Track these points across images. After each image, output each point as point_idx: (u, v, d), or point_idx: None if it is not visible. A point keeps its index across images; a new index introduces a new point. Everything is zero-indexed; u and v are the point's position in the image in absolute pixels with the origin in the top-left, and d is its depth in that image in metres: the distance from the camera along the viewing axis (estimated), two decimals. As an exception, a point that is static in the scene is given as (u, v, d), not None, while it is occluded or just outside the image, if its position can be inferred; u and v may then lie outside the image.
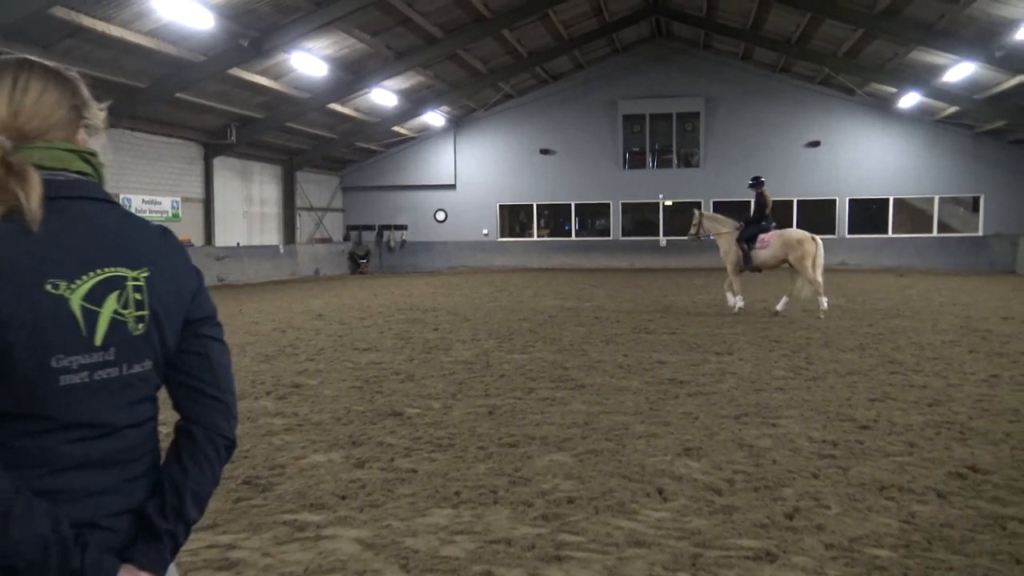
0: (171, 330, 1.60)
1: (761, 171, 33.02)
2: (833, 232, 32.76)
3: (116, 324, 1.49)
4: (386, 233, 37.02)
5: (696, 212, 16.56)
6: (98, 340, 1.47)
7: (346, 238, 37.15)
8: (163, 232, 1.67)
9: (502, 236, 36.38)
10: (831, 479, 5.18)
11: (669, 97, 33.99)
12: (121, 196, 24.37)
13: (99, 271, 1.48)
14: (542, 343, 11.57)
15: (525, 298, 19.57)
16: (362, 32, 23.61)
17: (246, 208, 31.06)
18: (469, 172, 36.26)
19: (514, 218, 36.86)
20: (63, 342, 1.43)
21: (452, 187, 36.44)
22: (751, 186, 15.60)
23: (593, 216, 35.80)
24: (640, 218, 35.30)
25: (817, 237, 14.67)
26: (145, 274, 1.55)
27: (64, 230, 1.48)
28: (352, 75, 26.39)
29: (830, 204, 33.21)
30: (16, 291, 1.39)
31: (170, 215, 26.51)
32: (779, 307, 14.88)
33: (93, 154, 1.61)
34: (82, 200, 1.53)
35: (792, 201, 33.12)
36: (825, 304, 14.49)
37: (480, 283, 25.35)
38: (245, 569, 3.96)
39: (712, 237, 15.96)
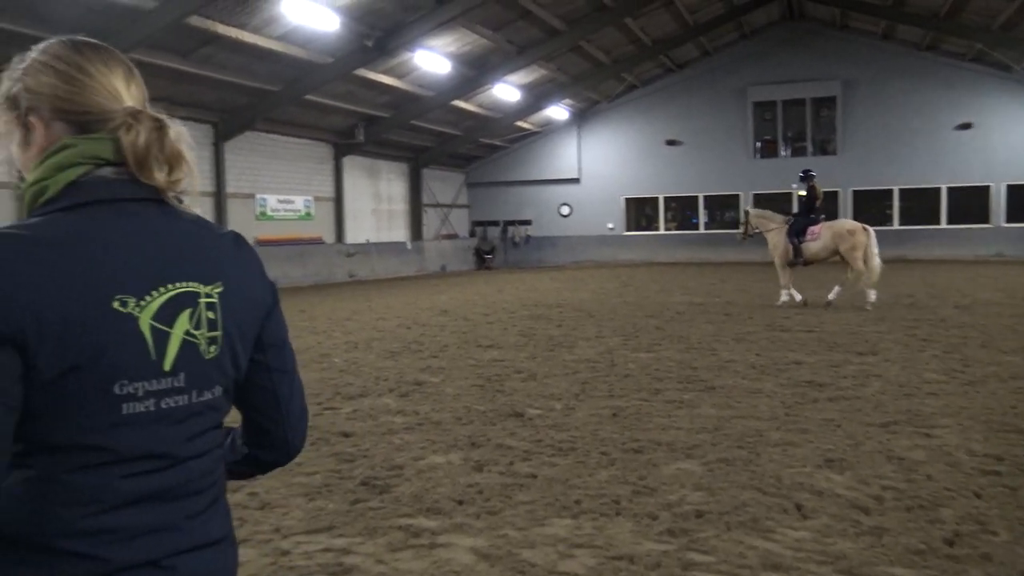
0: (243, 353, 1.43)
1: (906, 157, 31.27)
2: (987, 221, 30.48)
3: (187, 346, 1.31)
4: (511, 228, 37.14)
5: (745, 211, 16.69)
6: (167, 365, 1.29)
7: (472, 234, 37.52)
8: (236, 239, 1.49)
9: (627, 230, 35.81)
10: (997, 500, 4.61)
11: (802, 82, 32.47)
12: (257, 196, 25.44)
13: (170, 286, 1.31)
14: (669, 341, 11.14)
15: (651, 294, 19.08)
16: (483, 28, 23.67)
17: (374, 206, 31.83)
18: (593, 165, 35.87)
19: (640, 211, 36.21)
20: (129, 366, 1.26)
21: (576, 181, 36.15)
22: (802, 179, 15.69)
23: (722, 208, 34.70)
24: (772, 209, 33.88)
25: (869, 227, 14.65)
26: (219, 289, 1.37)
27: (132, 237, 1.31)
28: (475, 71, 26.52)
29: (983, 191, 30.89)
30: (81, 308, 1.22)
31: (303, 214, 27.46)
32: (831, 296, 14.66)
33: None
34: (147, 202, 1.36)
35: (940, 188, 31.03)
36: (873, 297, 14.26)
37: (605, 278, 24.98)
38: (359, 576, 3.85)
39: (761, 232, 15.92)
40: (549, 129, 36.03)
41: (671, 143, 34.34)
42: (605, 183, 35.63)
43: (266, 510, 4.73)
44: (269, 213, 25.91)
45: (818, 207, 15.44)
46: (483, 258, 35.87)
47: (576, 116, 35.34)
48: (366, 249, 29.13)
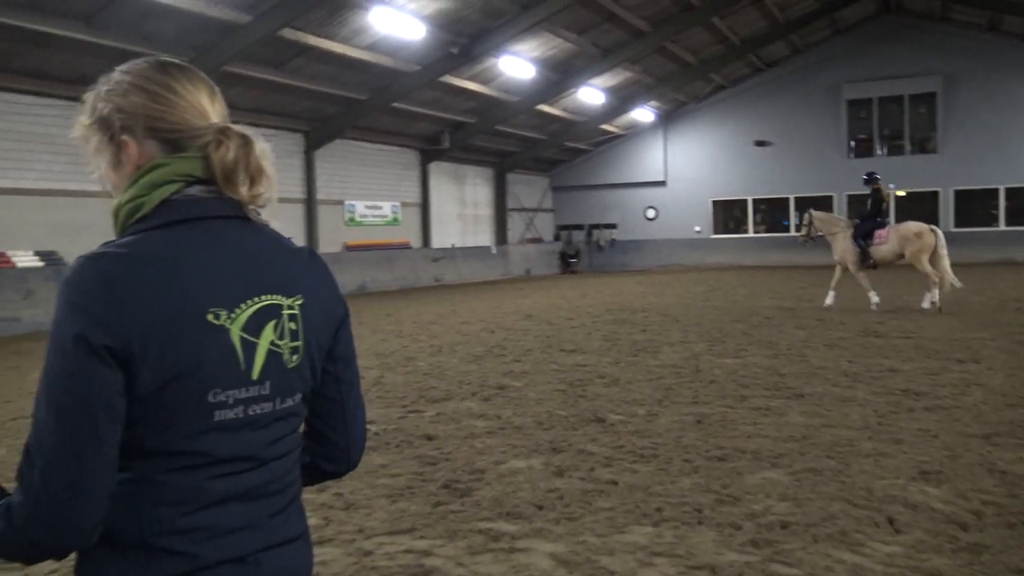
0: (318, 363, 1.48)
1: (1013, 154, 29.78)
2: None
3: (272, 356, 1.37)
4: (595, 232, 37.00)
5: (807, 214, 16.33)
6: (255, 374, 1.35)
7: (556, 238, 37.52)
8: (311, 254, 1.55)
9: (715, 233, 35.21)
10: (1111, 517, 4.33)
11: (900, 78, 31.31)
12: (346, 202, 26.05)
13: (257, 299, 1.37)
14: (757, 347, 10.90)
15: (739, 298, 18.70)
16: (568, 31, 23.66)
17: (460, 210, 32.19)
18: (680, 168, 35.40)
19: (728, 214, 35.54)
20: (221, 376, 1.32)
21: (662, 184, 35.74)
22: (866, 182, 15.47)
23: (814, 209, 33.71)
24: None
25: (937, 229, 14.47)
26: (299, 302, 1.42)
27: (221, 253, 1.37)
28: (559, 75, 26.54)
29: (1097, 188, 29.15)
30: (177, 316, 1.28)
31: (390, 219, 27.98)
32: (935, 301, 14.32)
33: None
34: (232, 219, 1.42)
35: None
36: (937, 298, 14.14)
37: (691, 282, 24.61)
38: (439, 579, 3.90)
39: (826, 236, 15.66)
40: (634, 132, 35.74)
41: (760, 144, 33.58)
42: (692, 186, 35.11)
43: (350, 511, 4.84)
44: (357, 219, 26.51)
45: (884, 210, 15.30)
46: (567, 262, 35.81)
47: (662, 118, 34.95)
48: (451, 253, 29.49)
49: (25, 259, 16.37)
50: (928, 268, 14.19)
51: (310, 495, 5.14)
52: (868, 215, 15.24)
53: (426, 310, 18.03)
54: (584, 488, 5.11)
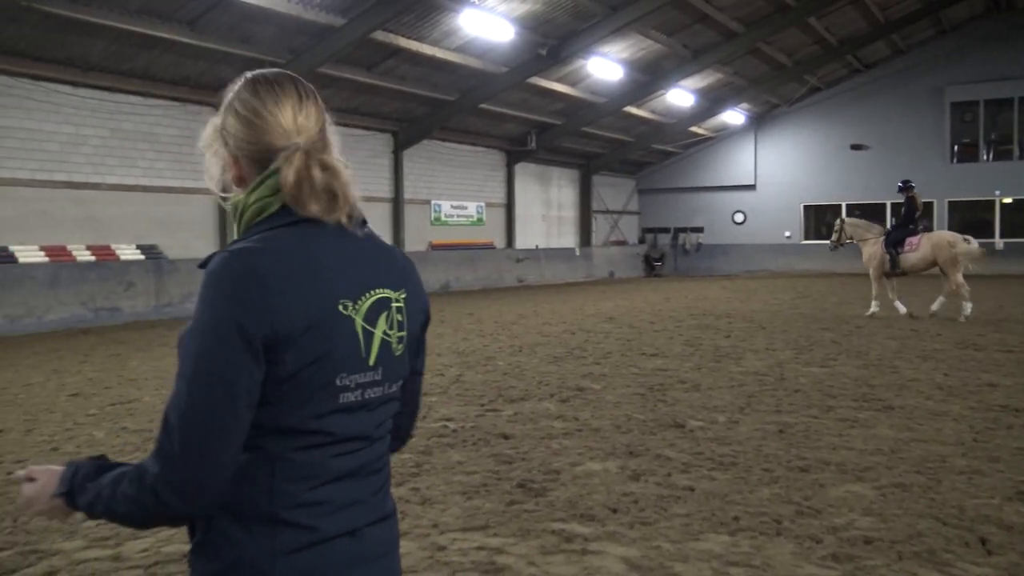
0: (413, 353, 1.63)
1: None
2: None
3: (384, 344, 1.51)
4: (682, 235, 36.50)
5: (839, 219, 16.46)
6: (372, 360, 1.49)
7: (641, 240, 37.18)
8: (404, 255, 1.68)
9: (806, 239, 34.26)
10: None
11: (1010, 79, 29.84)
12: (432, 202, 26.40)
13: (372, 291, 1.51)
14: (845, 356, 10.56)
15: (829, 305, 18.16)
16: (658, 32, 23.42)
17: (544, 212, 32.23)
18: (770, 171, 34.60)
19: (819, 219, 34.53)
20: (347, 361, 1.45)
21: (752, 187, 35.01)
22: (900, 190, 15.57)
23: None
24: (971, 218, 31.23)
25: (971, 238, 14.62)
26: (403, 296, 1.57)
27: (344, 248, 1.50)
28: (648, 77, 26.30)
29: None
30: (315, 308, 1.42)
31: (475, 219, 28.22)
32: (934, 307, 14.81)
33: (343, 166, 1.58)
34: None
35: None
36: (968, 311, 14.13)
37: (779, 288, 24.02)
38: (510, 577, 3.91)
39: (856, 243, 15.85)
40: (724, 134, 35.11)
41: (856, 147, 32.52)
42: (783, 190, 34.26)
43: (426, 506, 4.90)
44: (443, 218, 26.84)
45: (917, 218, 15.38)
46: (652, 265, 35.43)
47: (753, 120, 34.23)
48: (535, 254, 29.55)
49: (128, 252, 17.18)
50: (959, 278, 14.24)
51: (387, 488, 5.24)
52: (902, 223, 15.42)
53: (508, 310, 18.12)
54: (660, 493, 5.05)
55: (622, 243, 35.99)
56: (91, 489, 1.44)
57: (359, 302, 1.47)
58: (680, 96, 28.52)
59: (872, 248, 15.24)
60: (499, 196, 29.51)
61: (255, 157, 1.51)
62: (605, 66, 23.77)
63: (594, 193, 34.34)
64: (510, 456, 5.95)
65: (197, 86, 18.49)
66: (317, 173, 1.47)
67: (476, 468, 5.66)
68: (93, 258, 16.64)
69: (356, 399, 1.47)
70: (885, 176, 32.04)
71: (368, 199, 23.87)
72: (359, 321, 1.46)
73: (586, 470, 5.60)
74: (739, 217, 35.39)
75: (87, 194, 16.92)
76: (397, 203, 24.76)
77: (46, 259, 15.88)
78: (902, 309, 14.93)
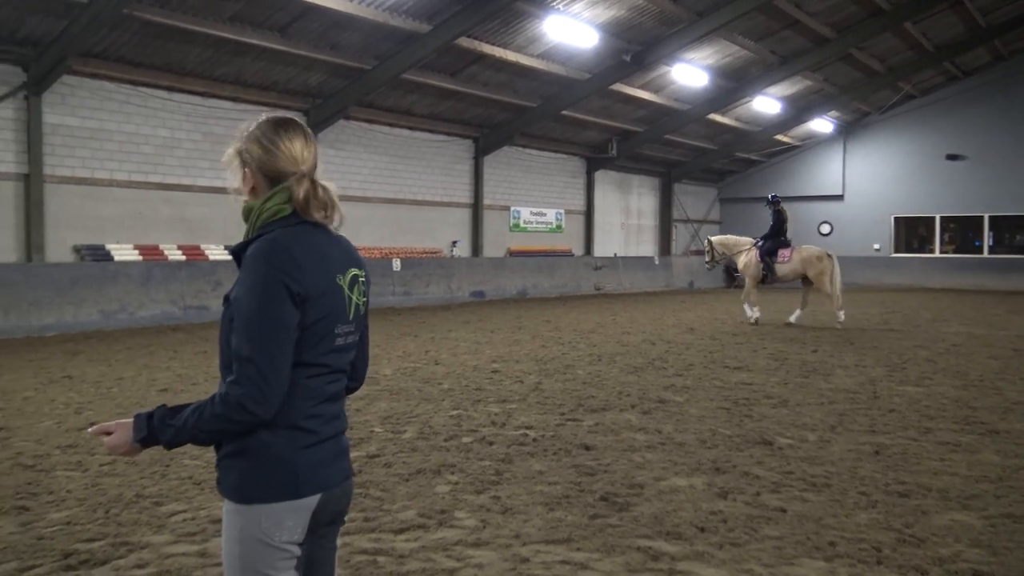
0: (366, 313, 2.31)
1: None
2: None
3: (356, 306, 2.19)
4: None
5: (707, 240, 17.73)
6: (350, 316, 2.17)
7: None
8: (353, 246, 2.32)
9: (896, 251, 33.05)
10: None
11: (1120, 87, 28.17)
12: (512, 208, 26.41)
13: (350, 270, 2.18)
14: (942, 375, 10.07)
15: (922, 322, 17.42)
16: (745, 39, 22.95)
17: (623, 220, 31.92)
18: (859, 181, 33.51)
19: (911, 232, 33.29)
20: (339, 316, 2.12)
21: (839, 198, 33.97)
22: (768, 204, 16.92)
23: (1012, 230, 30.99)
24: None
25: (832, 254, 15.84)
26: (364, 275, 2.25)
27: (329, 240, 2.17)
28: (733, 83, 25.80)
29: None
30: (325, 279, 2.08)
31: (554, 226, 28.13)
32: (792, 319, 16.15)
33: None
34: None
35: None
36: (842, 317, 15.53)
37: (868, 302, 23.17)
38: (594, 594, 3.79)
39: (731, 256, 17.12)
40: (811, 143, 34.17)
41: (952, 157, 31.21)
42: (872, 200, 33.13)
43: (507, 515, 4.82)
44: (522, 225, 26.83)
45: (785, 230, 16.38)
46: (734, 276, 34.66)
47: (842, 129, 33.22)
48: (613, 263, 29.26)
49: (216, 252, 17.67)
50: (829, 289, 15.55)
51: (469, 496, 5.17)
52: (771, 234, 16.39)
53: (586, 318, 17.95)
54: (749, 513, 4.85)
55: (703, 253, 35.34)
56: (172, 426, 2.02)
57: (343, 276, 2.14)
58: (766, 103, 27.88)
59: (747, 257, 16.47)
60: (578, 203, 29.36)
61: (269, 176, 2.12)
62: (690, 72, 23.40)
63: (675, 201, 33.85)
64: (592, 468, 5.82)
65: (285, 91, 18.93)
66: (319, 192, 2.13)
67: (557, 479, 5.55)
68: (183, 257, 17.18)
69: (343, 343, 2.14)
70: (982, 188, 30.73)
71: (448, 204, 24.05)
72: (345, 289, 2.13)
73: (671, 485, 5.43)
74: (825, 228, 34.36)
75: (179, 195, 17.48)
76: (477, 208, 24.86)
77: (139, 257, 16.46)
78: (755, 315, 16.29)
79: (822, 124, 32.00)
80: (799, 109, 29.84)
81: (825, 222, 34.35)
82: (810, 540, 4.41)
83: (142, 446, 2.06)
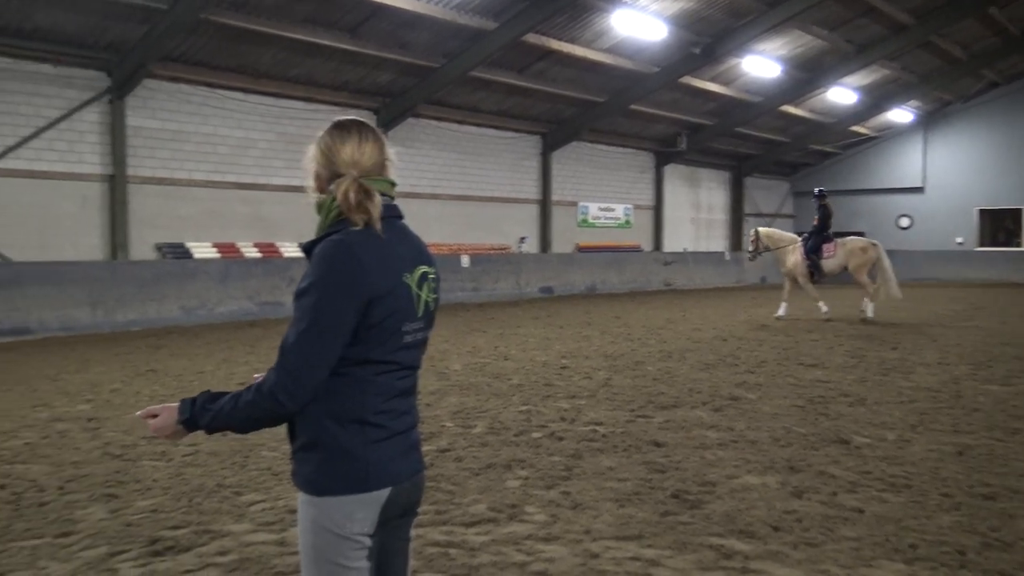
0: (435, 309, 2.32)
1: None
2: None
3: (425, 303, 2.21)
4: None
5: (753, 229, 17.42)
6: (419, 313, 2.18)
7: (795, 245, 35.65)
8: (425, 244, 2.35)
9: (980, 245, 31.82)
10: None
11: None
12: (580, 204, 26.33)
13: (419, 268, 2.20)
14: (1030, 373, 9.67)
15: (1009, 319, 16.74)
16: (819, 28, 22.39)
17: (693, 214, 31.51)
18: (941, 172, 32.38)
19: (997, 225, 32.01)
20: (407, 314, 2.14)
21: (919, 190, 32.89)
22: (815, 198, 16.64)
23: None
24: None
25: (878, 243, 15.84)
26: (433, 271, 2.26)
27: (397, 238, 2.17)
28: (807, 74, 25.21)
29: None
30: (391, 279, 2.10)
31: (622, 221, 27.94)
32: (868, 313, 15.71)
33: (394, 184, 2.26)
34: (395, 218, 2.21)
35: None
36: (870, 312, 15.58)
37: (951, 298, 22.41)
38: (666, 591, 3.76)
39: (773, 251, 16.85)
40: (889, 133, 33.15)
41: (1040, 147, 29.90)
42: (955, 192, 31.97)
43: (577, 511, 4.82)
44: (590, 220, 26.72)
45: (830, 225, 16.25)
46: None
47: (922, 119, 32.13)
48: (683, 258, 28.92)
49: (290, 250, 18.09)
50: (865, 280, 15.63)
51: (539, 491, 5.19)
52: (817, 230, 16.22)
53: (655, 314, 17.79)
54: (826, 513, 4.75)
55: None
56: (211, 411, 2.09)
57: (412, 274, 2.16)
58: (841, 94, 27.15)
59: (794, 256, 16.31)
60: (647, 198, 29.09)
61: (327, 177, 2.20)
62: (761, 64, 22.95)
63: (746, 195, 33.26)
64: (662, 464, 5.77)
65: (356, 91, 19.24)
66: (355, 196, 2.10)
67: (628, 475, 5.52)
68: (259, 255, 17.63)
69: (411, 340, 2.16)
70: (1074, 178, 29.33)
71: (516, 200, 24.11)
72: (413, 287, 2.15)
73: (744, 484, 5.35)
74: (904, 221, 33.32)
75: (254, 194, 17.95)
76: (545, 205, 24.86)
77: (217, 255, 16.96)
78: (781, 311, 16.30)
79: (901, 114, 31.02)
80: (876, 99, 28.97)
81: (904, 215, 33.31)
82: (889, 542, 4.30)
83: (185, 429, 2.13)
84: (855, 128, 31.62)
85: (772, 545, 4.27)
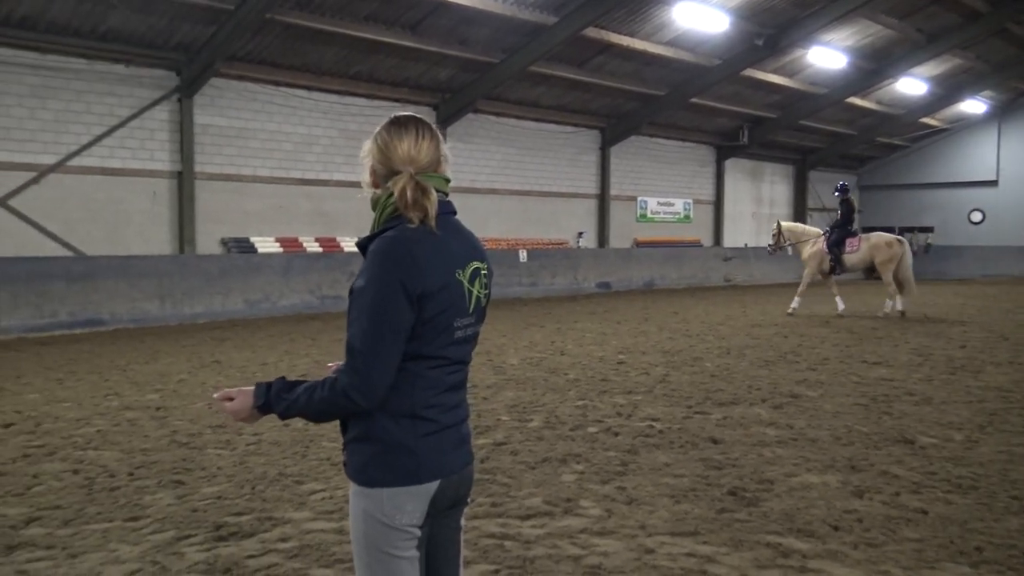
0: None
1: None
2: None
3: (477, 299, 2.22)
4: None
5: (776, 223, 17.37)
6: (470, 309, 2.20)
7: (861, 240, 34.78)
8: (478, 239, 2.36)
9: (1058, 240, 30.63)
10: None
11: None
12: (638, 198, 26.14)
13: (471, 264, 2.21)
14: (1109, 374, 9.29)
15: (1086, 316, 16.10)
16: (888, 17, 21.80)
17: (755, 209, 31.01)
18: (1017, 166, 31.23)
19: (1076, 219, 30.76)
20: (459, 310, 2.16)
21: (993, 183, 31.78)
22: (837, 192, 16.67)
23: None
24: None
25: (904, 240, 15.77)
26: (486, 267, 2.27)
27: (450, 234, 2.19)
28: (875, 64, 24.58)
29: None
30: (444, 276, 2.12)
31: (682, 216, 27.64)
32: (898, 307, 15.72)
33: (449, 181, 2.28)
34: (449, 215, 2.23)
35: None
36: (894, 307, 15.72)
37: None
38: (721, 588, 3.74)
39: (794, 245, 16.90)
40: (961, 125, 32.10)
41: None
42: (1030, 186, 30.80)
43: (633, 506, 4.81)
44: (649, 215, 26.50)
45: (853, 219, 16.28)
46: (873, 267, 33.07)
47: (996, 109, 31.02)
48: (744, 254, 28.46)
49: (351, 244, 18.36)
50: (890, 278, 15.52)
51: (594, 486, 5.20)
52: (840, 224, 16.25)
53: (715, 310, 17.58)
54: (888, 514, 4.65)
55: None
56: (286, 399, 2.14)
57: (463, 270, 2.16)
58: (911, 85, 26.39)
59: (813, 248, 16.31)
60: (707, 193, 28.73)
61: (383, 174, 2.21)
62: (827, 55, 22.45)
63: (810, 189, 32.58)
64: (719, 462, 5.72)
65: (416, 87, 19.42)
66: (412, 193, 2.12)
67: (684, 471, 5.49)
68: (320, 249, 17.95)
69: (462, 335, 2.18)
70: None
71: (575, 195, 24.06)
72: (465, 283, 2.16)
73: (803, 482, 5.27)
74: (977, 216, 32.24)
75: (317, 190, 18.27)
76: (603, 200, 24.75)
77: (280, 249, 17.32)
78: (841, 306, 16.20)
79: (973, 105, 30.01)
80: (947, 90, 28.09)
81: (976, 209, 32.24)
82: (953, 544, 4.20)
83: (260, 413, 2.18)
84: (925, 120, 30.71)
85: (831, 544, 4.21)
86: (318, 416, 2.13)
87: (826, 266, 16.13)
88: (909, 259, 15.58)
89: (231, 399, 2.21)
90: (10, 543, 4.25)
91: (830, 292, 16.66)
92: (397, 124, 2.22)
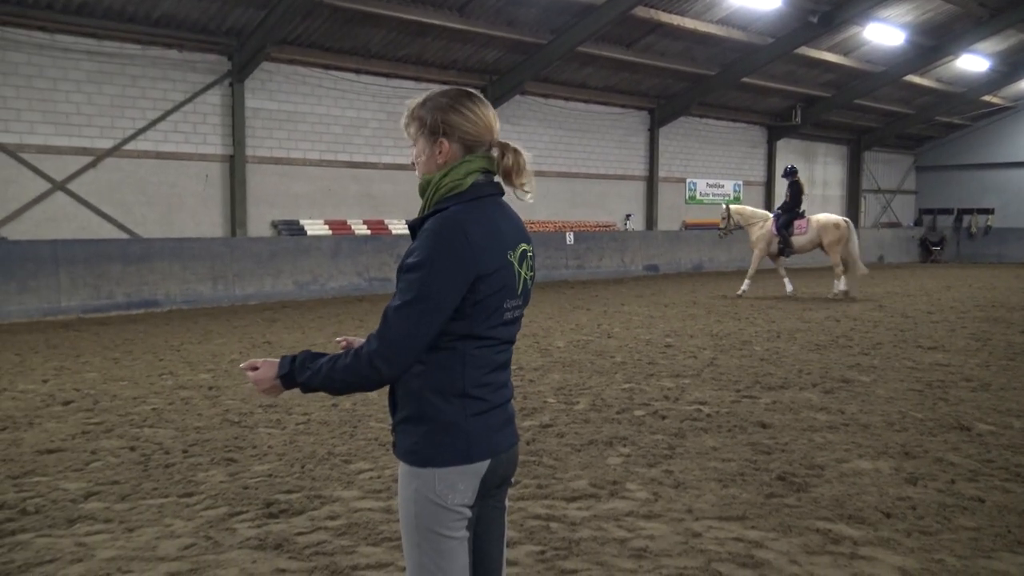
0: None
1: None
2: None
3: (524, 280, 2.22)
4: (967, 218, 32.85)
5: (724, 206, 17.45)
6: (519, 290, 2.20)
7: (917, 223, 33.98)
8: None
9: (1125, 222, 29.53)
10: None
11: None
12: (688, 180, 25.82)
13: (520, 245, 2.20)
14: None
15: None
16: (949, -9, 21.10)
17: (807, 190, 30.30)
18: (1082, 145, 30.10)
19: None
20: (509, 291, 2.15)
21: (1057, 163, 30.68)
22: (786, 175, 16.92)
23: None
24: None
25: (850, 221, 16.04)
26: (531, 248, 2.27)
27: (501, 216, 2.19)
28: (934, 41, 23.84)
29: None
30: (498, 257, 2.12)
31: (731, 198, 27.24)
32: (842, 287, 16.06)
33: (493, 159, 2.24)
34: (498, 195, 2.23)
35: None
36: (842, 287, 16.01)
37: (1089, 279, 20.91)
38: (770, 573, 3.69)
39: (744, 227, 16.85)
40: (1024, 104, 31.04)
41: None
42: (1098, 166, 29.70)
43: (680, 489, 4.78)
44: (698, 197, 26.18)
45: (801, 201, 16.43)
46: (929, 250, 32.29)
47: (1062, 87, 29.93)
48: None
49: (398, 227, 18.48)
50: (837, 258, 15.87)
51: (640, 469, 5.17)
52: (788, 206, 16.41)
53: (764, 293, 17.33)
54: (942, 501, 4.55)
55: (895, 225, 33.10)
56: (310, 369, 2.12)
57: (513, 252, 2.16)
58: (972, 62, 25.56)
59: (760, 230, 16.40)
60: (758, 174, 28.26)
61: (468, 145, 2.18)
62: (884, 31, 21.84)
63: (864, 170, 31.85)
64: (768, 446, 5.65)
65: (464, 69, 19.39)
66: (520, 159, 2.21)
67: (732, 456, 5.43)
68: (368, 232, 18.10)
69: (511, 316, 2.18)
70: None
71: (623, 177, 23.85)
72: (515, 264, 2.16)
73: (854, 468, 5.18)
74: (1040, 197, 31.21)
75: (365, 173, 18.40)
76: (652, 181, 24.51)
77: (329, 232, 17.51)
78: (789, 287, 16.48)
79: (1038, 82, 28.97)
80: (1011, 66, 27.14)
81: (1039, 190, 31.21)
82: (1011, 533, 4.09)
83: (282, 384, 2.16)
84: (987, 98, 29.75)
85: (883, 532, 4.13)
86: (340, 386, 2.09)
87: (775, 248, 16.31)
88: (855, 240, 15.91)
89: (256, 368, 2.19)
90: (70, 516, 4.38)
91: (778, 274, 16.92)
92: (472, 95, 2.21)
